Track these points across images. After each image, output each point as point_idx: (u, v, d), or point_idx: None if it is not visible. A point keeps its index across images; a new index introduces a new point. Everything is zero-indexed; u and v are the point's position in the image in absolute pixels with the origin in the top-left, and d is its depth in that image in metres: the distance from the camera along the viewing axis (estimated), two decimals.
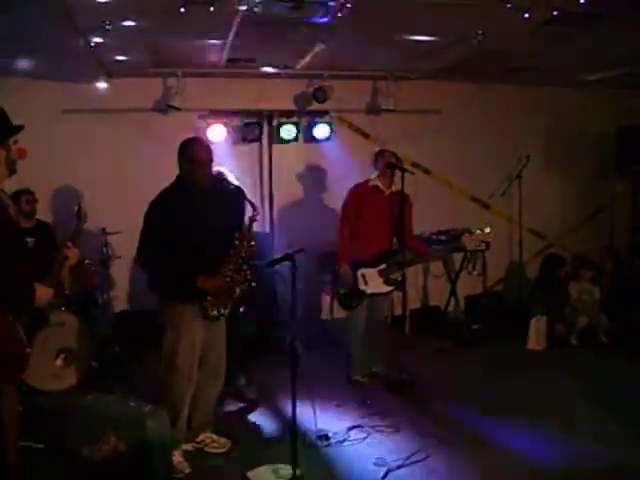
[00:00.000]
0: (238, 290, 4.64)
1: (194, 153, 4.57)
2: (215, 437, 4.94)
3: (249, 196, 5.11)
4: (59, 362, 5.97)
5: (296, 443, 4.23)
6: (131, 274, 7.65)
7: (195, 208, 4.53)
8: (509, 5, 4.95)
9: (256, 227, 4.88)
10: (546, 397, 5.98)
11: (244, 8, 5.03)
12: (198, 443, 4.88)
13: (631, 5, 5.18)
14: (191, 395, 4.63)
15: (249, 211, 4.88)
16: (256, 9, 5.05)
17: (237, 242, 4.62)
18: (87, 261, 6.60)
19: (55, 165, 7.40)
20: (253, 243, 4.72)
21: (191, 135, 7.66)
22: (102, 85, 7.67)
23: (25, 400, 5.38)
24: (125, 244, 6.98)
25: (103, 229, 6.96)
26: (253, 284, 4.67)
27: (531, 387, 6.27)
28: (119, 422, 4.29)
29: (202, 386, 4.76)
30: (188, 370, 4.54)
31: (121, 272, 7.55)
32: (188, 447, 4.83)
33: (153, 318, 4.88)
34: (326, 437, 5.08)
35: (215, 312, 4.57)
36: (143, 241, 4.56)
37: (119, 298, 7.78)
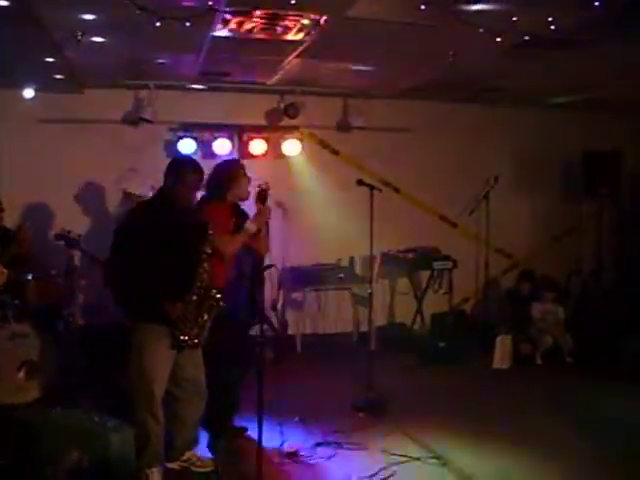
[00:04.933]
0: (206, 316, 4.53)
1: (186, 176, 4.50)
2: (201, 455, 4.88)
3: None
4: (22, 375, 5.86)
5: (261, 460, 4.21)
6: (97, 286, 7.56)
7: (170, 228, 4.45)
8: (481, 29, 5.02)
9: None
10: (509, 416, 6.02)
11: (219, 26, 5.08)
12: (184, 462, 4.81)
13: (598, 32, 5.28)
14: (162, 413, 4.51)
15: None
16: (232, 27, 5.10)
17: (200, 266, 4.54)
18: (53, 272, 6.55)
19: (25, 175, 7.33)
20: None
21: (161, 147, 7.81)
22: (73, 96, 7.62)
23: None
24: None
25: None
26: (221, 304, 4.59)
27: (495, 405, 6.33)
28: (83, 437, 4.24)
29: (185, 404, 4.70)
30: (152, 389, 4.43)
31: (87, 284, 7.47)
32: (174, 466, 4.77)
33: (119, 331, 4.81)
34: (295, 454, 5.06)
35: (186, 338, 4.44)
36: (115, 255, 4.46)
37: (84, 310, 7.69)
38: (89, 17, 4.96)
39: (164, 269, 4.35)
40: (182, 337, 4.43)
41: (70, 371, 6.32)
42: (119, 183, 6.69)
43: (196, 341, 4.51)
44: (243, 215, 5.29)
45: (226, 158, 5.21)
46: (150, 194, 6.35)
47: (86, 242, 6.61)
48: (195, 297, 4.47)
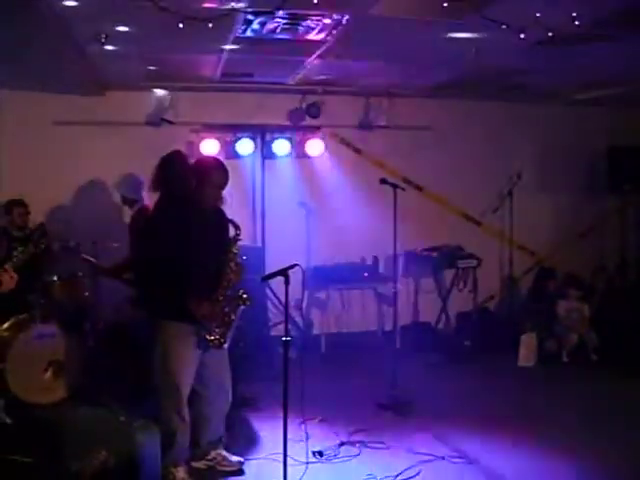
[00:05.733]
0: (233, 315, 4.55)
1: (209, 176, 4.52)
2: (227, 455, 4.88)
3: (241, 211, 5.13)
4: (49, 375, 5.92)
5: (286, 459, 4.22)
6: (122, 287, 7.61)
7: (198, 227, 4.49)
8: (504, 26, 4.99)
9: (248, 242, 4.85)
10: (535, 414, 6.00)
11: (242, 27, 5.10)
12: (209, 461, 4.83)
13: (623, 27, 5.24)
14: (187, 412, 4.55)
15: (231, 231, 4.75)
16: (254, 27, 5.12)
17: (226, 265, 4.57)
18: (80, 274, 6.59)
19: (47, 177, 7.40)
20: (239, 261, 4.66)
21: (183, 149, 7.81)
22: (95, 98, 7.68)
23: (14, 413, 5.40)
24: (116, 257, 6.97)
25: (94, 242, 6.92)
26: (248, 303, 4.61)
27: (520, 404, 6.30)
28: (109, 437, 4.27)
29: (209, 404, 4.72)
30: (179, 387, 4.46)
31: (112, 285, 7.51)
32: (200, 465, 4.80)
33: (144, 331, 4.84)
34: (320, 453, 5.07)
35: (212, 338, 4.47)
36: (141, 254, 4.52)
37: (110, 310, 7.73)
38: (112, 19, 5.00)
39: (191, 268, 4.38)
40: (209, 337, 4.45)
41: (96, 371, 6.37)
42: (116, 188, 6.71)
43: (223, 340, 4.53)
44: None
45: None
46: (144, 197, 6.38)
47: (108, 243, 6.67)
48: (221, 297, 4.50)
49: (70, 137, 7.62)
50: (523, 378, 7.21)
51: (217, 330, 4.48)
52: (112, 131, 7.74)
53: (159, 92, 7.72)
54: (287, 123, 8.41)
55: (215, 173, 4.56)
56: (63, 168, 7.56)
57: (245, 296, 4.56)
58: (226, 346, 4.60)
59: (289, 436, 4.22)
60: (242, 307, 4.57)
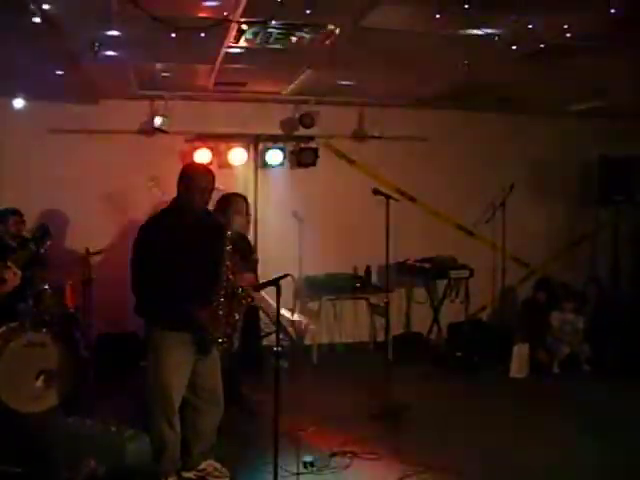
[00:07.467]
0: (237, 315, 4.59)
1: (194, 179, 4.53)
2: (218, 466, 4.84)
3: None
4: (39, 383, 5.90)
5: (277, 470, 4.20)
6: (113, 295, 7.60)
7: (189, 234, 4.49)
8: (497, 38, 5.01)
9: None
10: (527, 425, 5.99)
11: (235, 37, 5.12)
12: (200, 471, 4.79)
13: (614, 38, 5.26)
14: (179, 421, 4.53)
15: None
16: (247, 37, 5.13)
17: (223, 265, 4.57)
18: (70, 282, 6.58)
19: (42, 185, 7.41)
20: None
21: (176, 158, 7.82)
22: (89, 106, 7.68)
23: (3, 421, 5.38)
24: (108, 265, 6.97)
25: (87, 249, 6.91)
26: (250, 299, 4.62)
27: (512, 414, 6.31)
28: (99, 446, 4.27)
29: (201, 414, 4.70)
30: (170, 397, 4.45)
31: (103, 293, 7.49)
32: (190, 475, 4.76)
33: (135, 340, 4.82)
34: (311, 464, 5.04)
35: (222, 340, 4.47)
36: (138, 265, 4.48)
37: (101, 319, 7.71)
38: (105, 28, 5.00)
39: (188, 274, 4.38)
40: (220, 340, 4.46)
41: (87, 380, 6.35)
42: None
43: (231, 342, 4.53)
44: None
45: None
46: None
47: (106, 252, 6.68)
48: (222, 299, 4.50)
49: (64, 145, 7.62)
50: (515, 389, 7.22)
51: (224, 332, 4.49)
52: (106, 139, 7.75)
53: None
54: (280, 133, 8.43)
55: (201, 177, 4.57)
56: (57, 176, 7.55)
57: (244, 293, 4.58)
58: (233, 349, 4.60)
59: (280, 446, 4.21)
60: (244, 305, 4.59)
